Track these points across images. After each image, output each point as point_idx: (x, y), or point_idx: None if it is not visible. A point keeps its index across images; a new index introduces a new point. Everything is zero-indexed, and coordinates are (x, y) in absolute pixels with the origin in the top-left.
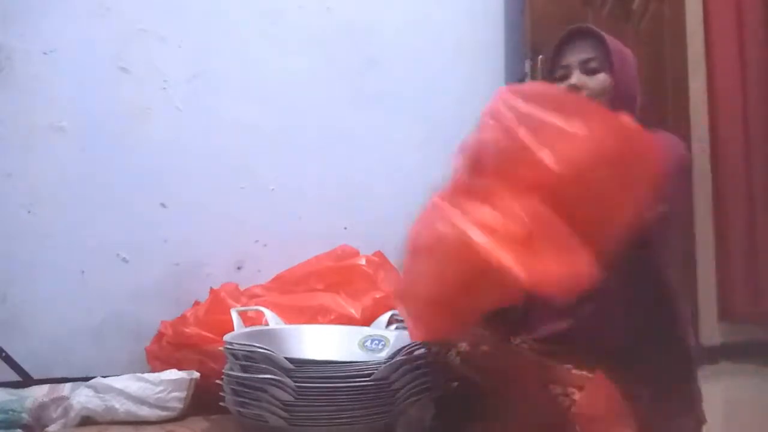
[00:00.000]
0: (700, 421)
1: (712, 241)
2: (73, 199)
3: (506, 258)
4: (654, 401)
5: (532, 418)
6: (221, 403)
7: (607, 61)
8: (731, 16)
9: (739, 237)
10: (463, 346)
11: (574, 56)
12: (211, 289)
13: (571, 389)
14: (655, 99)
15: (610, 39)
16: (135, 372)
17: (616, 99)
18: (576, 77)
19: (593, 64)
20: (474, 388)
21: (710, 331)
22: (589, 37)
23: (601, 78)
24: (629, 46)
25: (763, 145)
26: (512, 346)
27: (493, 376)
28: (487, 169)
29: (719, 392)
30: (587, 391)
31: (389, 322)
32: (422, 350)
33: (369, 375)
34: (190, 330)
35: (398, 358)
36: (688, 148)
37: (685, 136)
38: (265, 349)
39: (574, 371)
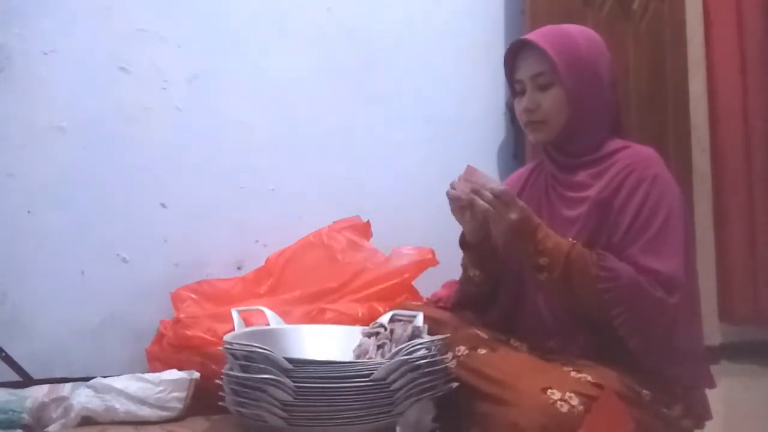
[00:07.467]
0: (702, 419)
1: (712, 241)
2: (73, 199)
3: None
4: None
5: (529, 423)
6: (220, 403)
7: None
8: (731, 16)
9: (738, 237)
10: (462, 349)
11: (525, 71)
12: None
13: (569, 394)
14: (655, 99)
15: (556, 47)
16: (135, 372)
17: (575, 116)
18: (528, 97)
19: (543, 79)
20: (471, 391)
21: (710, 331)
22: (537, 47)
23: (554, 94)
24: (629, 46)
25: (763, 145)
26: (511, 349)
27: (490, 380)
28: None
29: (719, 392)
30: (594, 412)
31: (390, 322)
32: (422, 350)
33: (368, 375)
34: (192, 332)
35: (398, 358)
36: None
37: (685, 136)
38: (264, 348)
39: (573, 374)
